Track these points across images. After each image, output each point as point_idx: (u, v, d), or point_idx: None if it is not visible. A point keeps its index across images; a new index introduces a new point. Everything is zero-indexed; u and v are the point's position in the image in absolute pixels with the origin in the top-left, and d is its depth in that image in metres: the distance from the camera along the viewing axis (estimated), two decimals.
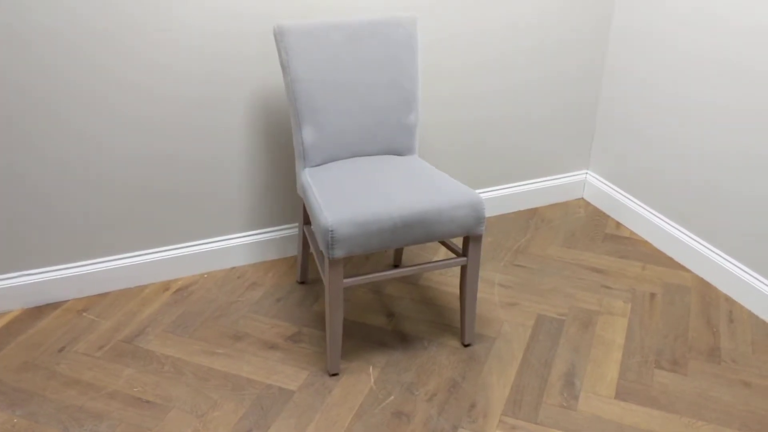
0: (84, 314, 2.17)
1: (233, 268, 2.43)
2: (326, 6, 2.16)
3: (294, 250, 2.51)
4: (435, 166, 2.61)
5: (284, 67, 1.91)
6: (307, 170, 1.99)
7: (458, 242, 2.59)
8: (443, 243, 2.06)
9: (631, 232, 2.67)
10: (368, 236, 1.72)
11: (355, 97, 1.98)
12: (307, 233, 2.10)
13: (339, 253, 1.71)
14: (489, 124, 2.62)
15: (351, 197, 1.78)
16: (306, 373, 1.91)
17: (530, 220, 2.77)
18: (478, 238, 1.87)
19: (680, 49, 2.31)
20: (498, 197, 2.78)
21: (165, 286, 2.32)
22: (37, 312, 2.18)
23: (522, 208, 2.86)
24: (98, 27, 1.93)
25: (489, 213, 2.80)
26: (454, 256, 2.45)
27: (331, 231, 1.69)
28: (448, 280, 2.36)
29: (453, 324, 2.13)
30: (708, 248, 2.34)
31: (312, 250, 2.03)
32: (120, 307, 2.20)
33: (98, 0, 1.89)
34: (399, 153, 2.10)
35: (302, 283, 2.33)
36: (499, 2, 2.39)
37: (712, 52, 2.19)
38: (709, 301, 2.25)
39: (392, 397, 1.83)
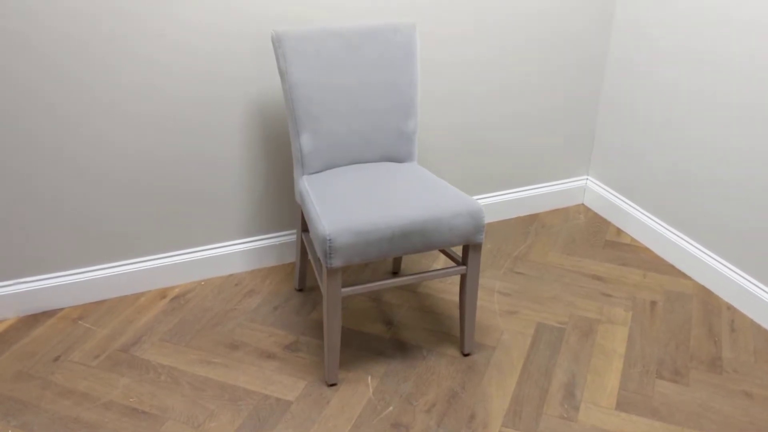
0: (79, 322, 2.14)
1: (230, 275, 2.41)
2: (323, 12, 2.14)
3: (292, 257, 2.49)
4: (434, 171, 2.59)
5: (282, 74, 1.89)
6: (305, 177, 1.97)
7: (457, 249, 2.57)
8: (442, 251, 2.04)
9: (632, 239, 2.66)
10: (367, 245, 1.70)
11: (354, 103, 1.96)
12: (305, 240, 2.08)
13: (337, 262, 1.70)
14: (489, 130, 2.60)
15: (349, 206, 1.76)
16: (303, 383, 1.89)
17: (530, 226, 2.76)
18: (477, 247, 1.85)
19: (682, 55, 2.29)
20: (498, 203, 2.76)
21: (162, 293, 2.30)
22: (32, 320, 2.15)
23: (522, 213, 2.84)
24: (86, 44, 1.91)
25: (488, 219, 2.79)
26: (453, 264, 2.43)
27: (329, 240, 1.67)
28: (447, 288, 2.34)
29: (452, 332, 2.11)
30: (710, 256, 2.32)
31: (310, 257, 2.01)
32: (116, 315, 2.18)
33: (86, 21, 1.88)
34: (398, 160, 2.08)
35: (300, 290, 2.31)
36: (500, 12, 2.38)
37: (715, 58, 2.17)
38: (710, 310, 2.23)
39: (391, 408, 1.81)
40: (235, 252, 2.38)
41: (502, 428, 1.75)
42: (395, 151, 2.06)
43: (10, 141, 1.95)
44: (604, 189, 2.80)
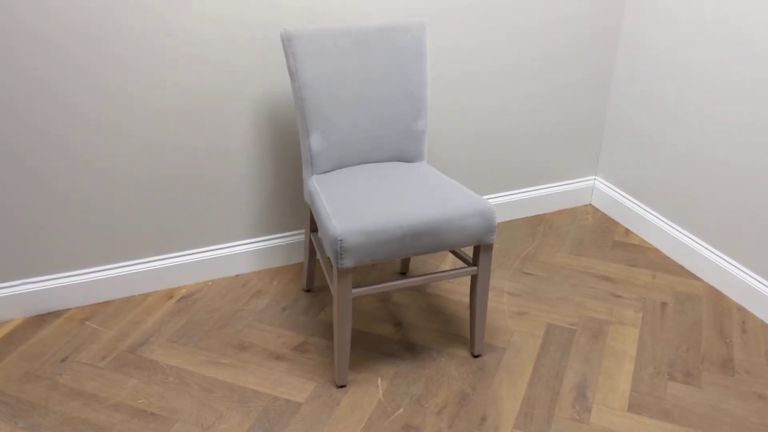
0: (87, 323, 2.13)
1: (238, 275, 2.39)
2: (332, 12, 2.13)
3: (299, 257, 2.47)
4: (442, 171, 2.58)
5: (292, 73, 1.87)
6: (314, 177, 1.96)
7: (467, 250, 2.56)
8: (452, 251, 2.02)
9: (641, 240, 2.64)
10: (377, 246, 1.69)
11: (364, 103, 1.95)
12: (313, 240, 2.07)
13: (348, 262, 1.68)
14: (497, 130, 2.59)
15: (360, 206, 1.75)
16: (313, 385, 1.88)
17: (538, 227, 2.74)
18: (488, 248, 1.83)
19: (689, 55, 2.28)
20: (505, 203, 2.75)
21: (169, 294, 2.29)
22: (39, 321, 2.14)
23: (529, 214, 2.83)
24: (98, 36, 1.90)
25: (497, 219, 2.77)
26: (463, 264, 2.42)
27: (340, 240, 1.65)
28: (456, 288, 2.33)
29: (462, 333, 2.09)
30: (719, 256, 2.30)
31: (319, 257, 1.99)
32: (123, 315, 2.17)
33: (98, 13, 1.86)
34: (408, 159, 2.07)
35: (308, 291, 2.30)
36: (508, 11, 2.36)
37: (721, 58, 2.15)
38: (721, 311, 2.22)
39: (401, 410, 1.80)
40: (242, 252, 2.36)
41: (514, 430, 1.74)
42: (405, 151, 2.05)
43: (16, 139, 1.94)
44: (612, 189, 2.79)
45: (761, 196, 2.12)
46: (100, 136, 2.02)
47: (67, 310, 2.19)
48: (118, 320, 2.15)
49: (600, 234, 2.69)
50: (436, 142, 2.50)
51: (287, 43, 1.85)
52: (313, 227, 2.11)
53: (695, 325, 2.14)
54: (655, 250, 2.57)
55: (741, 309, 2.22)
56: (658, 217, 2.56)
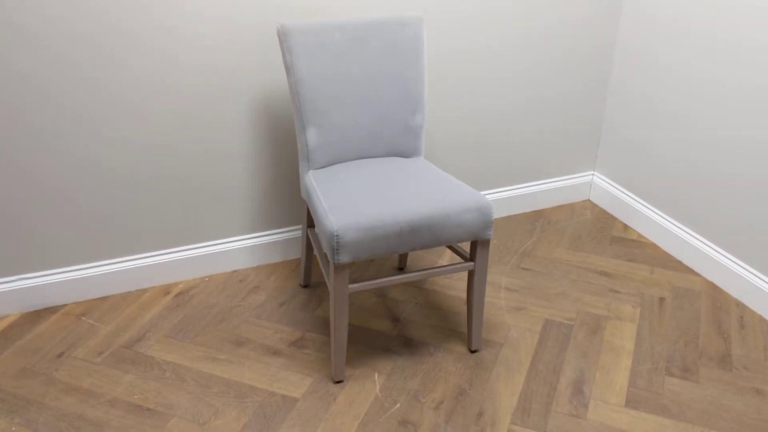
0: (83, 318, 2.13)
1: (235, 271, 2.39)
2: (330, 8, 2.12)
3: (297, 253, 2.47)
4: (439, 166, 2.57)
5: (288, 68, 1.87)
6: (311, 172, 1.95)
7: (464, 245, 2.55)
8: (450, 247, 2.02)
9: (639, 235, 2.64)
10: (374, 241, 1.68)
11: (360, 97, 1.94)
12: (310, 236, 2.06)
13: (345, 258, 1.68)
14: (495, 125, 2.58)
15: (356, 201, 1.74)
16: (310, 380, 1.87)
17: (536, 222, 2.74)
18: (485, 243, 1.83)
19: (691, 46, 2.27)
20: (503, 198, 2.74)
21: (166, 289, 2.28)
22: (35, 316, 2.14)
23: (528, 209, 2.82)
24: (93, 37, 1.89)
25: (494, 215, 2.76)
26: (460, 259, 2.42)
27: (337, 236, 1.65)
28: (453, 284, 2.32)
29: (459, 329, 2.09)
30: (718, 251, 2.30)
31: (316, 253, 1.99)
32: (120, 311, 2.16)
33: (94, 14, 1.86)
34: (405, 155, 2.06)
35: (305, 286, 2.29)
36: (507, 6, 2.35)
37: (713, 60, 2.15)
38: (719, 306, 2.21)
39: (398, 405, 1.79)
40: (239, 248, 2.36)
41: (511, 426, 1.73)
42: (402, 146, 2.04)
43: (13, 135, 1.93)
44: (611, 184, 2.78)
45: (759, 192, 2.11)
46: (96, 132, 2.02)
47: (63, 306, 2.19)
48: (114, 316, 2.14)
49: (598, 229, 2.69)
50: (434, 138, 2.50)
51: (283, 38, 1.84)
52: (310, 223, 2.10)
53: (693, 321, 2.14)
54: (654, 246, 2.56)
55: (739, 304, 2.22)
56: (656, 213, 2.56)
